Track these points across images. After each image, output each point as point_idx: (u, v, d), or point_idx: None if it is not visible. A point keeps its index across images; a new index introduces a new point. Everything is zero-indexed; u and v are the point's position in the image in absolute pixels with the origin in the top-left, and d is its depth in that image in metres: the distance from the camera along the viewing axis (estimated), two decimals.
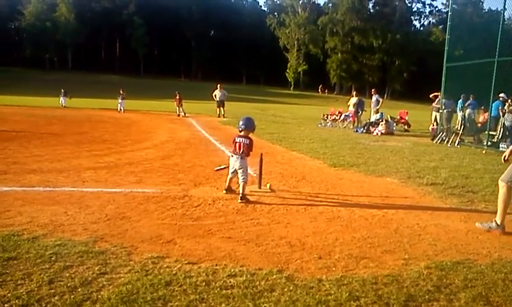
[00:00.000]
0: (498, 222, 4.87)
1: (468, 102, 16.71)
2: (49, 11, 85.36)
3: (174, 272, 3.44)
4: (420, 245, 4.38)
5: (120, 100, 25.46)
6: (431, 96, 18.44)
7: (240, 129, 6.20)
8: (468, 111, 16.48)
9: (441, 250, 4.26)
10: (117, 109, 25.23)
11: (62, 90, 28.61)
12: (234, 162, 6.06)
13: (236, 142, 6.09)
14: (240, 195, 5.84)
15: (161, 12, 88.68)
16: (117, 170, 7.68)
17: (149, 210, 5.24)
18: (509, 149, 5.13)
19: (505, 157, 5.09)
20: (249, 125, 6.23)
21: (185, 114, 23.66)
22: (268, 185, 6.65)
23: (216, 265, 3.62)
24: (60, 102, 28.00)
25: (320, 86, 72.77)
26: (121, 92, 25.59)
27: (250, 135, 6.21)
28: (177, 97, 24.09)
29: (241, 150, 5.99)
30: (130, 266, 3.51)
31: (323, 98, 67.86)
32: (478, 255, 4.15)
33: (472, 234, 4.82)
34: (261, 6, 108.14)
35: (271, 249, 4.11)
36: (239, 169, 5.96)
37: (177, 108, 24.09)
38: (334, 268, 3.68)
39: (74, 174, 7.13)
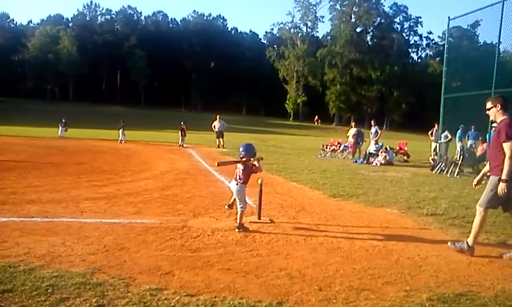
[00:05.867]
0: (470, 244, 5.17)
1: (469, 132, 16.85)
2: (52, 43, 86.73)
3: (172, 304, 3.39)
4: (421, 277, 4.33)
5: (121, 131, 25.50)
6: (429, 133, 18.95)
7: (241, 156, 6.21)
8: (469, 142, 16.60)
9: (443, 281, 4.21)
10: (118, 139, 25.24)
11: (63, 120, 28.65)
12: (232, 187, 6.11)
13: (236, 170, 6.13)
14: (237, 224, 5.83)
15: (162, 44, 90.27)
16: (116, 200, 7.65)
17: (148, 241, 5.19)
18: (480, 174, 5.60)
19: (476, 181, 5.58)
20: (249, 151, 6.23)
21: (183, 145, 23.66)
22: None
23: (215, 297, 3.57)
24: (58, 132, 28.03)
25: (316, 116, 73.45)
26: (121, 122, 25.63)
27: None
28: (181, 127, 24.29)
29: (238, 178, 6.01)
30: (128, 298, 3.45)
31: (322, 128, 68.16)
32: (481, 287, 4.09)
33: (474, 265, 4.77)
34: (260, 39, 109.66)
35: (271, 280, 4.06)
36: (236, 196, 5.98)
37: (180, 138, 24.18)
38: (334, 301, 3.63)
39: (73, 205, 7.10)
